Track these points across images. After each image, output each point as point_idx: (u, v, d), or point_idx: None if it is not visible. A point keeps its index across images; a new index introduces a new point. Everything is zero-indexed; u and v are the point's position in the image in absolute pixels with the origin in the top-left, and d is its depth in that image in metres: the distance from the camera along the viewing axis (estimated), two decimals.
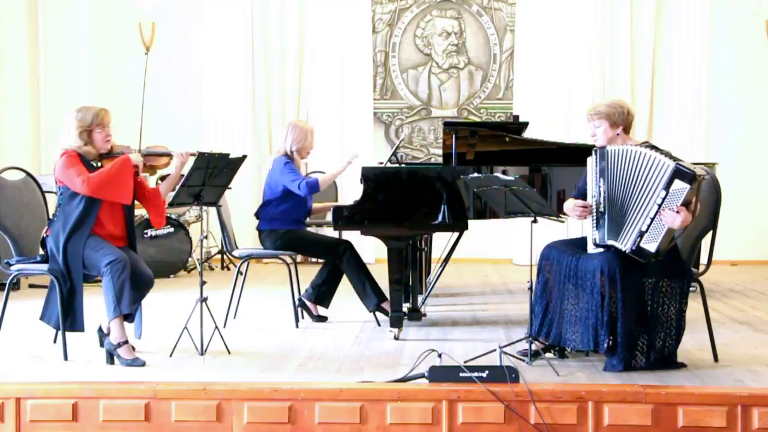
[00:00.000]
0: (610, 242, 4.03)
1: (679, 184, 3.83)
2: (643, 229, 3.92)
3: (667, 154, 3.95)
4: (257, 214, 5.43)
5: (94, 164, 4.33)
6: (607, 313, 3.95)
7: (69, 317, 4.25)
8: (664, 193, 3.87)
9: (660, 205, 3.88)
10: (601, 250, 4.06)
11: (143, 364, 4.14)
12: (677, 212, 3.84)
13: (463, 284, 7.20)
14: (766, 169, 8.53)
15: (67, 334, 4.30)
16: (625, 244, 3.98)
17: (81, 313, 4.26)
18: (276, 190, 5.33)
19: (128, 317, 4.26)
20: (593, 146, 4.20)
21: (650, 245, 3.91)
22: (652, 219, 3.90)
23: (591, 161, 4.13)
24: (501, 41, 8.92)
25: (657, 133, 8.46)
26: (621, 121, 4.17)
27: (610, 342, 3.96)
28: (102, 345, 4.33)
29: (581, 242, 4.22)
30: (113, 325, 4.17)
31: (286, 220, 5.35)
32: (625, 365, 3.97)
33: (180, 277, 7.50)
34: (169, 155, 4.62)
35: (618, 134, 4.17)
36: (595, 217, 4.09)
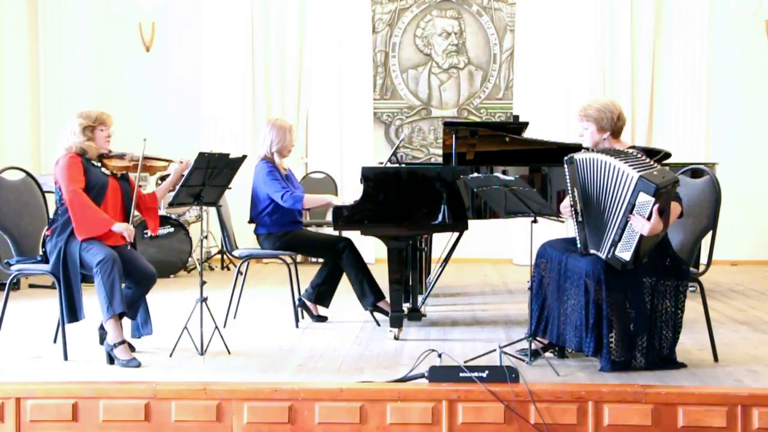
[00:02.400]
0: (593, 251, 4.05)
1: (643, 197, 3.79)
2: (616, 238, 3.91)
3: (640, 162, 3.87)
4: (252, 220, 5.42)
5: (95, 164, 4.37)
6: (593, 315, 3.95)
7: (70, 311, 4.25)
8: (630, 206, 3.84)
9: (628, 216, 3.85)
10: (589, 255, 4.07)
11: (138, 365, 4.13)
12: (647, 219, 3.80)
13: (463, 284, 7.20)
14: (766, 169, 8.53)
15: (67, 333, 4.30)
16: (603, 253, 3.98)
17: (80, 304, 4.25)
18: (264, 197, 5.32)
19: (125, 314, 4.26)
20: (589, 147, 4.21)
21: (624, 254, 3.89)
22: (623, 229, 3.88)
23: (566, 169, 4.13)
24: (501, 41, 8.92)
25: (657, 133, 8.43)
26: (609, 126, 4.16)
27: (593, 344, 3.96)
28: (102, 342, 4.33)
29: (576, 241, 4.21)
30: (109, 325, 4.18)
31: (283, 224, 5.33)
32: (613, 365, 3.96)
33: (180, 277, 7.50)
34: (168, 160, 4.64)
35: (605, 138, 4.17)
36: (576, 226, 4.09)
